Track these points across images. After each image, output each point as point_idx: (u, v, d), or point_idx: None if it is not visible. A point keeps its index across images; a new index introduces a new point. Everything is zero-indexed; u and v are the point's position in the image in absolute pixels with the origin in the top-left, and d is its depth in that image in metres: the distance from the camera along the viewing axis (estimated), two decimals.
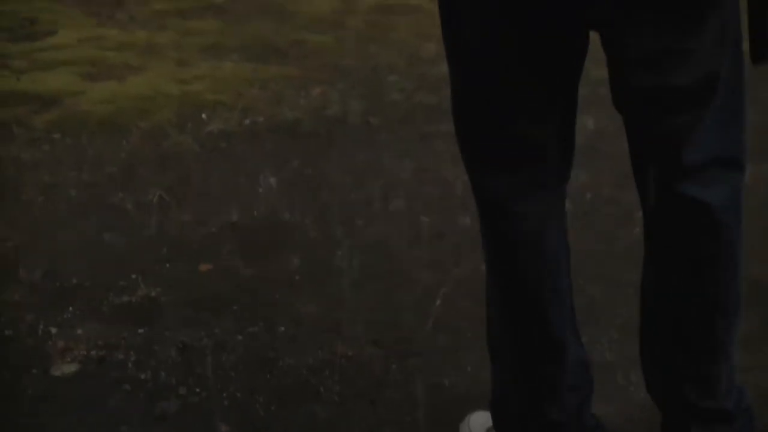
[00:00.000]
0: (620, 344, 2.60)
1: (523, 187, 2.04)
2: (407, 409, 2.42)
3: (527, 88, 1.96)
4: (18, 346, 2.68)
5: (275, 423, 2.39)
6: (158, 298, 2.89)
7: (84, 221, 3.33)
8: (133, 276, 2.97)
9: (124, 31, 5.03)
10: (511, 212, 2.05)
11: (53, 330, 2.74)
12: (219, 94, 4.27)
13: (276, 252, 3.12)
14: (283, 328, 2.74)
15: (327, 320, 2.77)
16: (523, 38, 1.89)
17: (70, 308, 2.83)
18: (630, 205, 2.75)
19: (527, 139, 2.01)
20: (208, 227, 3.27)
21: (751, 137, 1.99)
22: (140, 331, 2.73)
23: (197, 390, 2.50)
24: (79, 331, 2.73)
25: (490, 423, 2.26)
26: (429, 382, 2.52)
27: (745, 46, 1.85)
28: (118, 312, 2.82)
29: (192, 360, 2.61)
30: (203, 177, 3.63)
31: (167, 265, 3.05)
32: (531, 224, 2.05)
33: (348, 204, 3.43)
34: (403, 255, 3.09)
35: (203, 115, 4.09)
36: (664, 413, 2.14)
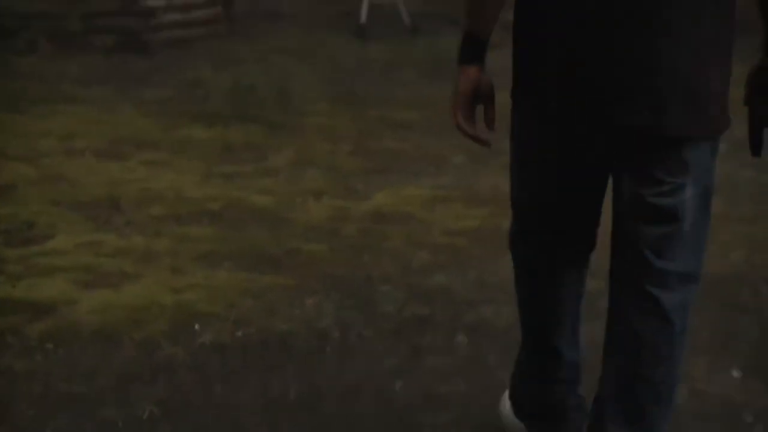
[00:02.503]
0: None
1: (558, 258, 2.93)
2: None
3: (577, 194, 2.82)
4: None
5: None
6: None
7: None
8: None
9: (121, 236, 5.09)
10: (540, 273, 2.98)
11: None
12: (212, 305, 4.29)
13: None
14: None
15: None
16: (565, 146, 2.74)
17: None
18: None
19: (568, 225, 2.87)
20: None
21: None
22: None
23: None
24: None
25: None
26: None
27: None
28: None
29: None
30: (195, 391, 3.62)
31: None
32: (553, 281, 2.98)
33: (340, 418, 3.41)
34: None
35: (196, 326, 4.11)
36: None
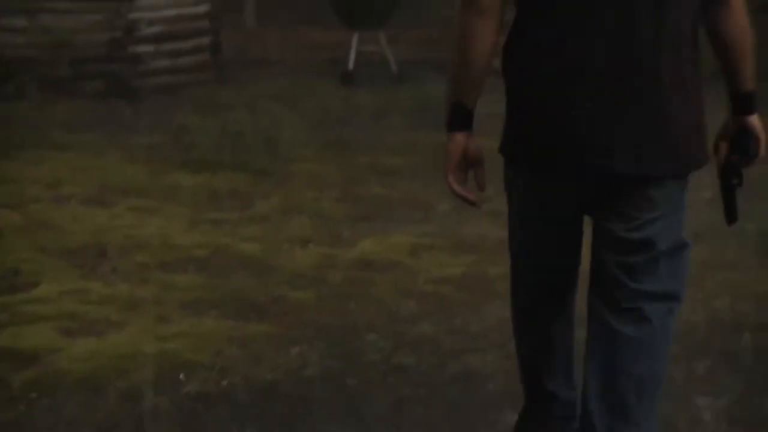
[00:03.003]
0: None
1: (553, 303, 3.18)
2: None
3: (567, 240, 3.10)
4: None
5: None
6: None
7: None
8: None
9: (106, 283, 5.09)
10: (536, 315, 3.21)
11: None
12: (197, 353, 4.29)
13: None
14: None
15: None
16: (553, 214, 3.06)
17: None
18: None
19: (557, 272, 3.16)
20: None
21: None
22: None
23: None
24: None
25: None
26: None
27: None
28: None
29: None
30: None
31: None
32: (546, 320, 3.20)
33: None
34: None
35: (181, 376, 4.10)
36: None
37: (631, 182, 2.93)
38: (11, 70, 9.81)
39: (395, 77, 10.88)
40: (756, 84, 3.11)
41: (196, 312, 4.75)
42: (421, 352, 4.36)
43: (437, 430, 3.73)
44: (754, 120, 3.14)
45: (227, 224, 6.04)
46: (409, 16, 12.38)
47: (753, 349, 4.41)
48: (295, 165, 7.34)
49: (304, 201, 6.53)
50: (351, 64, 10.88)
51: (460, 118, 2.96)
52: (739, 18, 3.02)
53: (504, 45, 2.97)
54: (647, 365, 3.00)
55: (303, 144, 7.84)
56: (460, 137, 2.95)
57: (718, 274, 5.26)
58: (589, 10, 2.84)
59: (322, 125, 8.69)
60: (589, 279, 3.09)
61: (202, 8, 10.90)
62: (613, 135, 2.87)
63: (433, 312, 4.79)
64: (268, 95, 9.79)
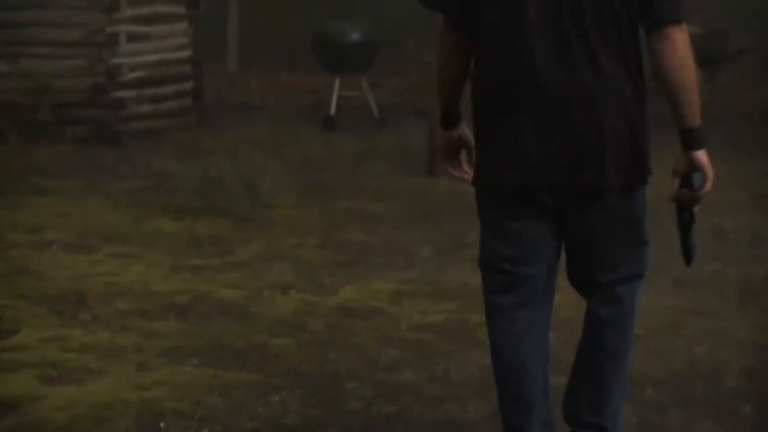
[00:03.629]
0: None
1: (518, 302, 3.44)
2: None
3: (530, 250, 3.42)
4: None
5: None
6: None
7: None
8: None
9: (87, 331, 5.07)
10: (509, 317, 3.46)
11: None
12: (178, 402, 4.27)
13: None
14: None
15: None
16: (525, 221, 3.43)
17: None
18: None
19: (526, 276, 3.44)
20: None
21: None
22: None
23: None
24: None
25: None
26: None
27: None
28: None
29: None
30: None
31: None
32: (520, 325, 3.45)
33: None
34: None
35: (161, 424, 4.08)
36: (568, 423, 3.55)
37: (584, 195, 3.36)
38: None
39: (377, 122, 10.92)
40: (701, 121, 3.26)
41: (177, 360, 4.73)
42: (402, 400, 4.36)
43: None
44: (701, 156, 3.29)
45: (208, 270, 6.03)
46: (390, 61, 12.44)
47: (734, 396, 4.42)
48: (276, 211, 7.35)
49: (285, 247, 6.53)
50: (333, 109, 10.91)
51: (446, 119, 3.63)
52: (679, 53, 3.23)
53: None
54: (620, 341, 3.51)
55: (284, 189, 7.85)
56: (448, 134, 3.63)
57: (699, 321, 5.28)
58: (526, 49, 3.29)
59: (303, 170, 8.71)
60: (569, 279, 3.55)
61: (185, 53, 10.92)
62: (590, 156, 3.32)
63: (414, 359, 4.79)
64: (250, 140, 9.82)
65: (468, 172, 3.57)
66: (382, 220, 7.21)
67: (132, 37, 10.19)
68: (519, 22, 3.28)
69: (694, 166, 3.28)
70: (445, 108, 3.62)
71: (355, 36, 11.01)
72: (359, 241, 6.72)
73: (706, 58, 13.21)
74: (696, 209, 3.32)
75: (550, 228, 3.41)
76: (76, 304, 5.45)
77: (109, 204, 7.48)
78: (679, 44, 3.23)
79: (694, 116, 3.25)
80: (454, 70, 3.52)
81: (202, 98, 11.08)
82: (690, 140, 3.27)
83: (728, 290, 5.76)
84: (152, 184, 8.06)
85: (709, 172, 3.29)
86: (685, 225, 3.31)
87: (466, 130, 3.61)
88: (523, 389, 3.47)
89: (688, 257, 3.34)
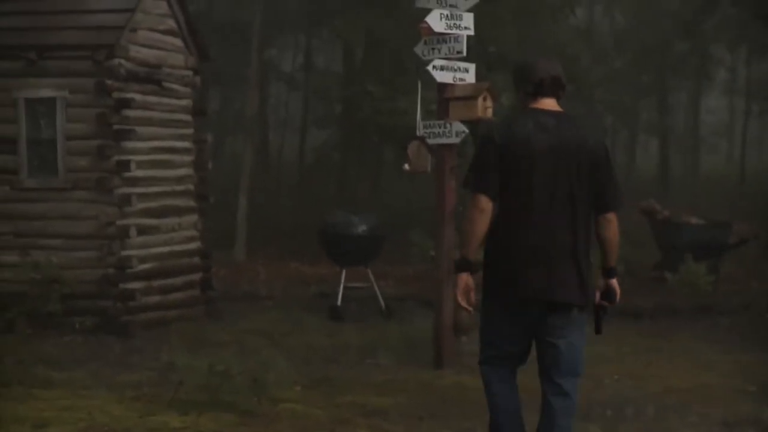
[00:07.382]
0: None
1: (506, 370, 5.46)
2: None
3: (516, 337, 5.41)
4: None
5: None
6: None
7: None
8: None
9: None
10: (499, 379, 5.44)
11: None
12: None
13: None
14: None
15: None
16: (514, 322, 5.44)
17: None
18: None
19: (512, 354, 5.44)
20: None
21: None
22: None
23: None
24: None
25: None
26: None
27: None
28: None
29: None
30: None
31: None
32: (505, 386, 5.45)
33: None
34: None
35: None
36: None
37: (556, 306, 5.28)
38: (1, 304, 9.90)
39: (383, 313, 10.99)
40: (615, 262, 5.46)
41: None
42: None
43: None
44: (614, 282, 5.48)
45: None
46: (395, 254, 12.58)
47: None
48: (281, 405, 7.34)
49: None
50: (339, 300, 11.00)
51: (464, 266, 5.32)
52: (612, 227, 5.38)
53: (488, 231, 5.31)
54: (569, 424, 5.34)
55: (290, 383, 7.86)
56: (464, 277, 5.31)
57: None
58: (528, 212, 5.26)
59: (309, 362, 8.74)
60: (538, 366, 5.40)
61: (194, 245, 11.08)
62: (544, 279, 5.26)
63: None
64: (257, 331, 9.87)
65: (470, 307, 5.37)
66: (386, 415, 7.18)
67: (142, 230, 10.35)
68: (526, 200, 5.31)
69: (609, 287, 5.45)
70: (469, 257, 5.27)
71: (360, 229, 11.17)
72: None
73: (710, 248, 13.36)
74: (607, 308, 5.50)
75: (531, 326, 5.35)
76: None
77: (114, 397, 7.48)
78: (614, 222, 5.37)
79: (614, 260, 5.45)
80: (482, 228, 5.24)
81: (210, 289, 11.18)
82: (610, 273, 5.47)
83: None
84: (158, 377, 8.08)
85: (618, 290, 5.45)
86: (600, 315, 5.48)
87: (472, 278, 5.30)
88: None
89: (598, 329, 5.47)
